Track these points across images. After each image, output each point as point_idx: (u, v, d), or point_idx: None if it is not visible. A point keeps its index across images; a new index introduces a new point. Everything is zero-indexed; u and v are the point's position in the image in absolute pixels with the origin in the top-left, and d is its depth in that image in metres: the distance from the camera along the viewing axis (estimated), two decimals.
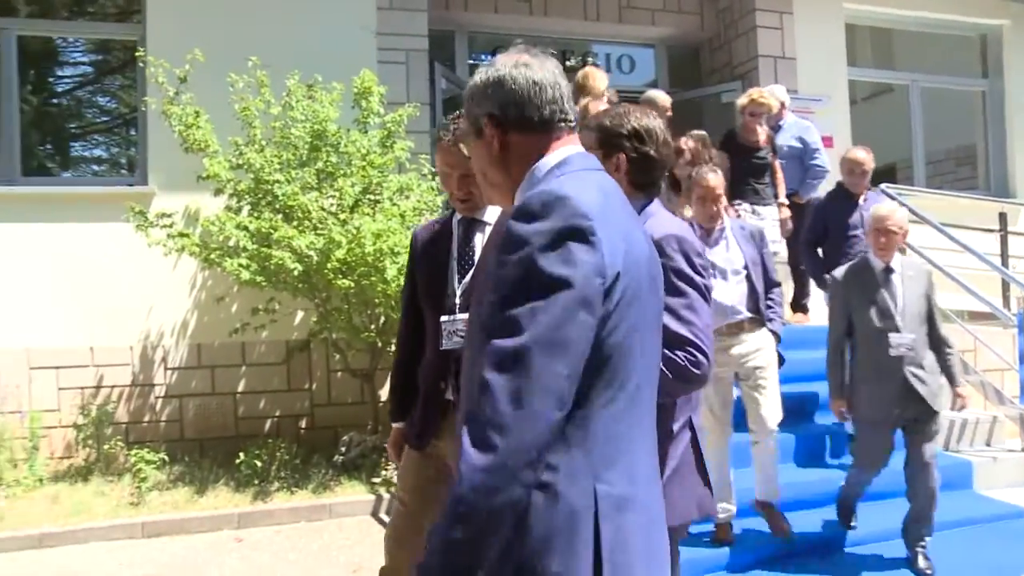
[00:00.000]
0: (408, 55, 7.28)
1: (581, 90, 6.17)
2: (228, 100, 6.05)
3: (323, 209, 5.90)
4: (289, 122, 6.07)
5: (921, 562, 4.43)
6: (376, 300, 5.85)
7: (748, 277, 4.54)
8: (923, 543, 4.47)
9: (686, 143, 5.87)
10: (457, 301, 2.78)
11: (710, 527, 4.65)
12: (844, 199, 6.07)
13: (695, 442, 2.57)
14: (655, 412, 1.68)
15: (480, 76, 1.71)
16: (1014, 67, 9.73)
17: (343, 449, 6.12)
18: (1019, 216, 9.11)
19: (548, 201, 1.47)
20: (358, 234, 5.54)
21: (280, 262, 5.65)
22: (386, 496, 5.59)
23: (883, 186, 7.24)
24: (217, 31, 6.65)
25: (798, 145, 7.09)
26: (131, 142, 7.45)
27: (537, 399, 1.39)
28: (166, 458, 6.04)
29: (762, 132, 6.73)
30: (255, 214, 6.01)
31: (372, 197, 6.08)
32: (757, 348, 4.57)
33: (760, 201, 6.64)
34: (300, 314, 6.69)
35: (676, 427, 2.52)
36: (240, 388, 6.73)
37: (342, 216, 5.88)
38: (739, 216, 6.03)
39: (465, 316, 2.67)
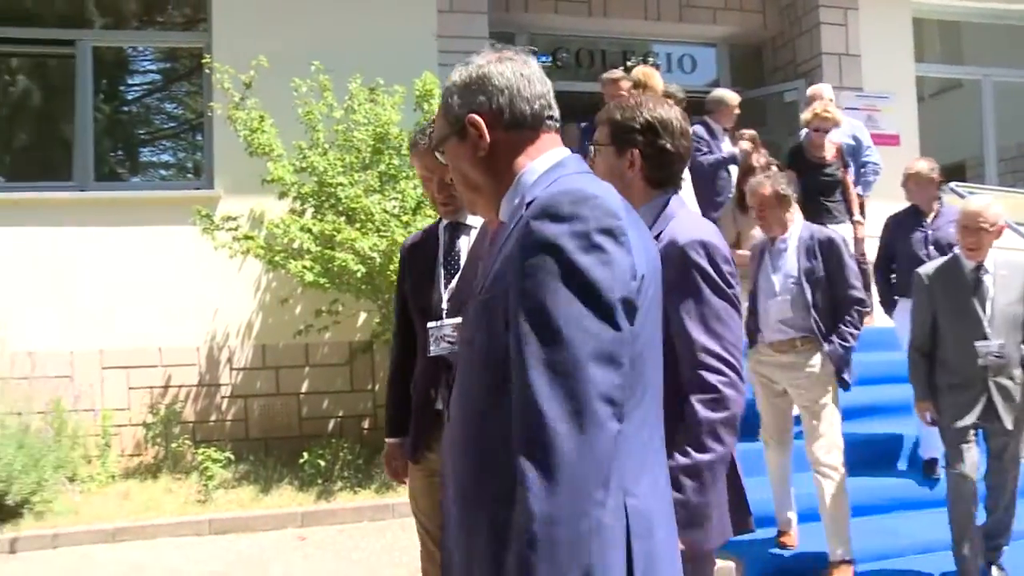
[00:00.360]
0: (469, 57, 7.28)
1: (640, 88, 6.17)
2: (292, 104, 6.14)
3: (386, 211, 5.95)
4: (352, 125, 6.14)
5: (995, 573, 4.28)
6: None
7: (802, 291, 4.30)
8: (999, 553, 4.31)
9: (757, 159, 5.68)
10: (444, 306, 2.73)
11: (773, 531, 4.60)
12: (912, 216, 5.57)
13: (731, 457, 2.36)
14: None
15: (460, 73, 1.61)
16: None
17: None
18: None
19: (578, 200, 1.37)
20: None
21: (343, 264, 5.71)
22: None
23: (952, 184, 7.03)
24: (280, 37, 6.75)
25: (851, 143, 6.89)
26: (197, 147, 7.61)
27: (600, 413, 1.28)
28: (232, 457, 6.15)
29: (830, 147, 6.40)
30: (319, 216, 6.09)
31: None
32: (808, 371, 4.30)
33: (832, 220, 6.15)
34: (363, 316, 6.75)
35: None
36: (304, 389, 6.82)
37: (404, 218, 5.92)
38: None
39: (453, 321, 2.63)
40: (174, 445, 6.36)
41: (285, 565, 4.86)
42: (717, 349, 2.10)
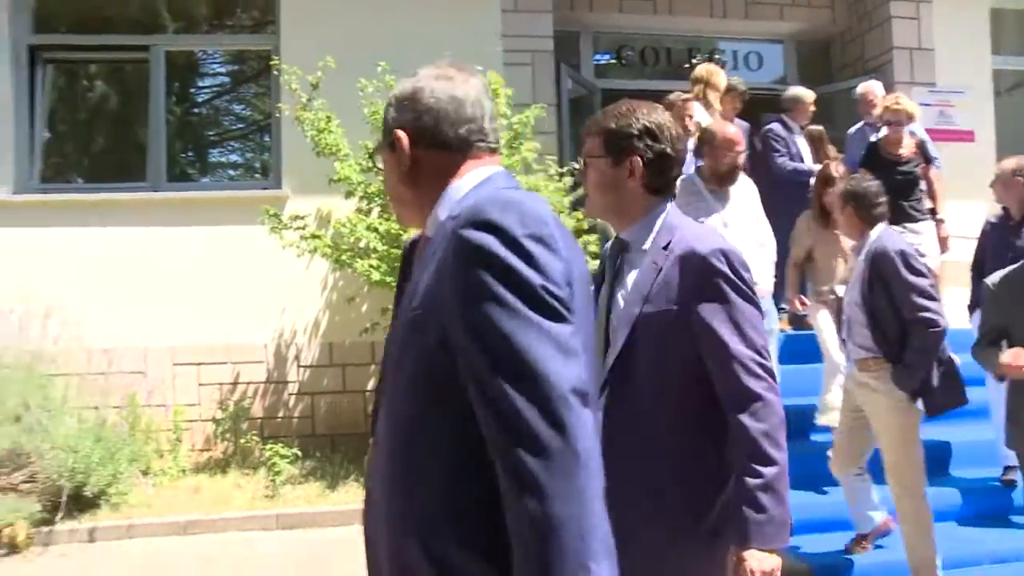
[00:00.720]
0: (533, 56, 7.30)
1: (701, 83, 6.17)
2: (358, 105, 6.18)
3: None
4: None
5: None
6: None
7: (862, 306, 4.04)
8: None
9: (836, 168, 5.40)
10: None
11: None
12: (1002, 220, 5.25)
13: None
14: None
15: (402, 85, 1.60)
16: None
17: None
18: None
19: (505, 208, 1.36)
20: None
21: None
22: None
23: None
24: (347, 38, 6.82)
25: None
26: (265, 147, 7.74)
27: (575, 405, 1.27)
28: (299, 453, 6.22)
29: (908, 143, 6.08)
30: (385, 216, 6.13)
31: None
32: (875, 394, 4.05)
33: (911, 221, 5.89)
34: None
35: None
36: (370, 386, 6.86)
37: None
38: None
39: None
40: (242, 441, 6.47)
41: (352, 562, 4.89)
42: (753, 354, 2.07)
